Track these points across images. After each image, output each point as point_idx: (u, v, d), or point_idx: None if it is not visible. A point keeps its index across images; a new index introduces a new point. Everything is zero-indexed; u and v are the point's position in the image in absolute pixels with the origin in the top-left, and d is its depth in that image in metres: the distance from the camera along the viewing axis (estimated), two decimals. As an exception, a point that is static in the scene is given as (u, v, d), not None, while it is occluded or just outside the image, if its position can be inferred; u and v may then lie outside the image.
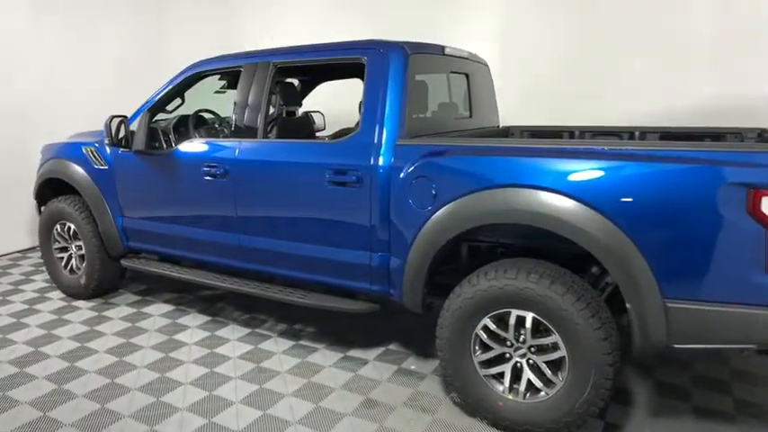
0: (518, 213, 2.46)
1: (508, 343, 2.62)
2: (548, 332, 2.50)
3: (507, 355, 2.64)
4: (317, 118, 4.94)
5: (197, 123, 4.12)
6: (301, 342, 3.61)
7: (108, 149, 4.01)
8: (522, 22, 4.94)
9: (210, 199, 3.53)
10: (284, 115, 4.15)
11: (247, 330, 3.79)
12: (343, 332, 3.73)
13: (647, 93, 4.45)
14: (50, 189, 4.48)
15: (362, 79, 3.03)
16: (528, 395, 2.61)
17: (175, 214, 3.76)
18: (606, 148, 2.43)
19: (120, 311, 4.17)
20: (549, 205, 2.40)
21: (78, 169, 4.17)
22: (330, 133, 5.08)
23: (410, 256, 2.81)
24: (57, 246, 4.48)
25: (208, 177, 3.48)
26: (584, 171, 2.37)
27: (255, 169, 3.32)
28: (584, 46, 4.65)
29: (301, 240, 3.21)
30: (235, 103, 3.45)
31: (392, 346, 3.55)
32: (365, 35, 3.28)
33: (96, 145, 4.10)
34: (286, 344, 3.59)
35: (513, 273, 2.51)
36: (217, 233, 3.56)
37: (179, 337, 3.71)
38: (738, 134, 3.49)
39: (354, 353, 3.46)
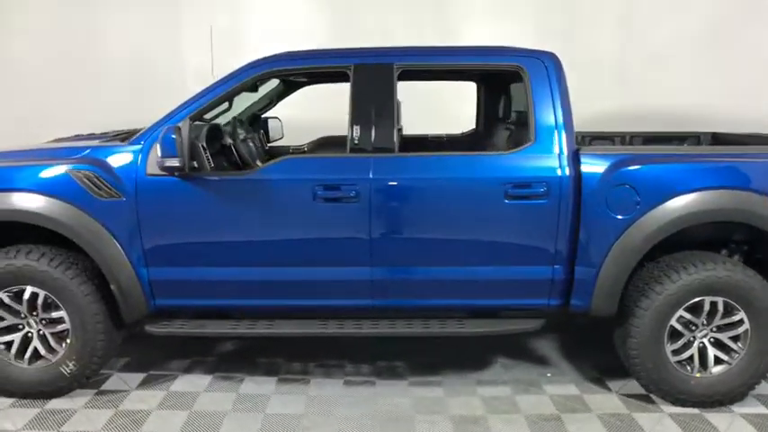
0: (731, 212, 2.78)
1: (692, 327, 2.94)
2: (730, 312, 2.90)
3: (691, 339, 2.95)
4: (274, 125, 4.35)
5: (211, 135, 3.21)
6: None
7: (117, 173, 2.82)
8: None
9: (325, 228, 2.86)
10: None
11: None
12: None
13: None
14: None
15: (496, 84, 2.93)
16: (714, 369, 2.97)
17: (257, 252, 2.89)
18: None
19: (151, 401, 3.01)
20: (747, 201, 2.79)
21: (63, 206, 2.80)
22: (307, 142, 4.56)
23: (606, 264, 2.86)
24: (-7, 326, 2.93)
25: (324, 202, 2.81)
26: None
27: (405, 189, 2.83)
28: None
29: (466, 263, 2.90)
30: (355, 112, 2.86)
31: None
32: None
33: (95, 168, 2.83)
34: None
35: (711, 265, 2.83)
36: (331, 269, 2.90)
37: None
38: (697, 137, 4.47)
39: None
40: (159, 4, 5.28)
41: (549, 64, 2.93)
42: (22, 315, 2.96)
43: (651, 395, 3.06)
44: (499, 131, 3.96)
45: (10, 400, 2.99)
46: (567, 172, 2.82)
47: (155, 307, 2.98)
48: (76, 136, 3.69)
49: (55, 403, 2.98)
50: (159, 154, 2.71)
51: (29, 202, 2.81)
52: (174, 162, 2.65)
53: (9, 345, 2.97)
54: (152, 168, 2.83)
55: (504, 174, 2.83)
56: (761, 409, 2.96)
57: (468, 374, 3.35)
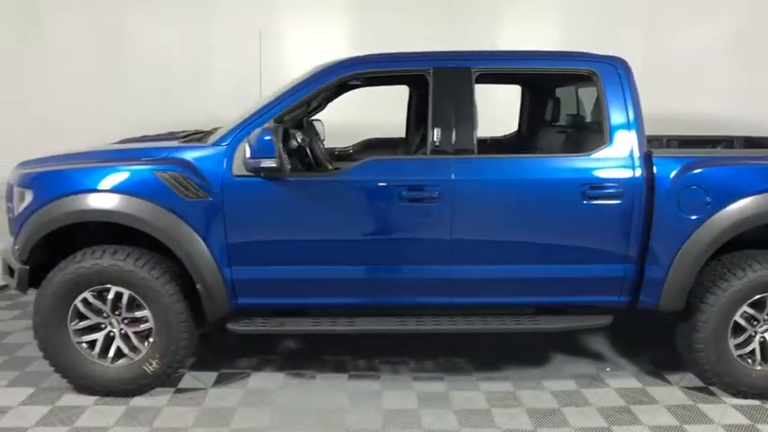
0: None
1: (754, 322, 3.08)
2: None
3: (753, 333, 3.09)
4: (317, 127, 4.40)
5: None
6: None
7: (202, 174, 2.86)
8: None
9: (407, 228, 2.94)
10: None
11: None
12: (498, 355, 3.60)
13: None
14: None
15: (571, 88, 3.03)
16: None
17: (340, 251, 2.96)
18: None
19: (232, 399, 3.06)
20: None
21: (151, 207, 2.84)
22: (351, 144, 4.63)
23: (676, 262, 2.98)
24: (77, 326, 2.95)
25: (406, 202, 2.88)
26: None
27: (486, 190, 2.92)
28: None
29: (542, 262, 3.00)
30: (435, 115, 2.94)
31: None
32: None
33: (181, 168, 2.86)
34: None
35: (777, 261, 2.98)
36: (412, 267, 2.98)
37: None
38: (731, 141, 4.63)
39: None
40: (190, 9, 5.34)
41: (620, 69, 3.04)
42: (105, 314, 2.98)
43: (710, 387, 3.20)
44: (546, 134, 4.07)
45: (93, 398, 3.02)
46: (641, 173, 2.94)
47: (236, 306, 3.03)
48: (143, 137, 3.71)
49: (138, 401, 3.01)
50: (249, 155, 2.75)
51: (119, 203, 2.84)
52: (271, 163, 2.70)
53: (92, 344, 3.00)
54: (238, 169, 2.88)
55: (582, 175, 2.93)
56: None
57: (529, 370, 3.45)
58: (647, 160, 2.96)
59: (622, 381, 3.33)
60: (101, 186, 2.87)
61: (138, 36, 5.19)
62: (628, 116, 3.00)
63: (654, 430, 2.82)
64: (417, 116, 4.54)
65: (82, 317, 2.97)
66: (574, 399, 3.12)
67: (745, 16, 5.16)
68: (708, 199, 2.93)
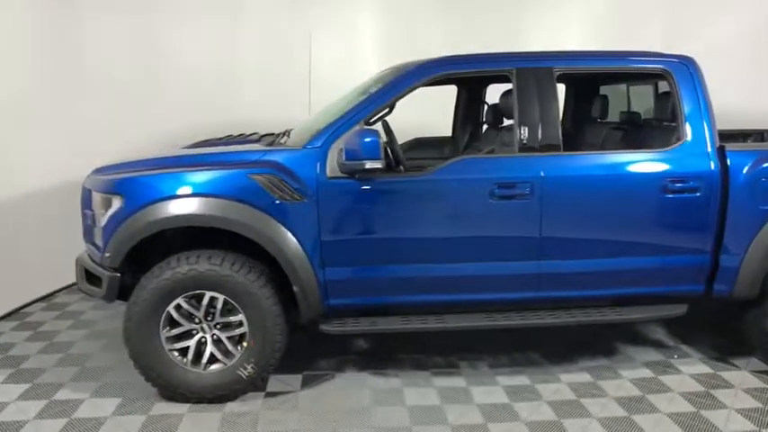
0: None
1: (819, 307, 3.24)
2: None
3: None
4: None
5: None
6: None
7: (297, 176, 2.87)
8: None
9: (499, 225, 3.00)
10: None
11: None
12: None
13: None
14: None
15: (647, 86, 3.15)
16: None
17: (432, 250, 3.00)
18: None
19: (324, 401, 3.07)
20: None
21: (249, 210, 2.83)
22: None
23: (750, 251, 3.11)
24: (169, 333, 2.91)
25: (498, 200, 2.95)
26: None
27: (573, 186, 3.00)
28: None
29: (625, 255, 3.10)
30: (521, 113, 3.01)
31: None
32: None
33: (276, 171, 2.86)
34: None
35: None
36: (502, 264, 3.04)
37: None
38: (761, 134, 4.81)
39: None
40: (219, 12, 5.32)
41: (691, 68, 3.17)
42: (197, 320, 2.95)
43: (777, 370, 3.36)
44: (594, 130, 4.19)
45: (185, 406, 2.98)
46: (716, 167, 3.07)
47: (327, 307, 3.04)
48: (216, 139, 3.68)
49: (232, 407, 2.99)
50: (347, 156, 2.78)
51: (218, 207, 2.82)
52: (377, 164, 2.73)
53: (182, 351, 2.96)
54: (332, 171, 2.90)
55: (663, 170, 3.05)
56: None
57: (602, 360, 3.54)
58: (721, 154, 3.09)
59: (693, 367, 3.45)
60: (198, 191, 2.84)
61: (176, 42, 5.15)
62: (701, 112, 3.12)
63: (741, 413, 2.94)
64: (465, 116, 4.62)
65: (173, 324, 2.94)
66: (654, 386, 3.22)
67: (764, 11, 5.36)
68: (783, 190, 3.08)
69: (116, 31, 4.89)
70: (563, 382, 3.27)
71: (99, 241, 2.98)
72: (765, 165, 3.08)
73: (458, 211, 2.99)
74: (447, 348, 3.66)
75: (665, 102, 3.35)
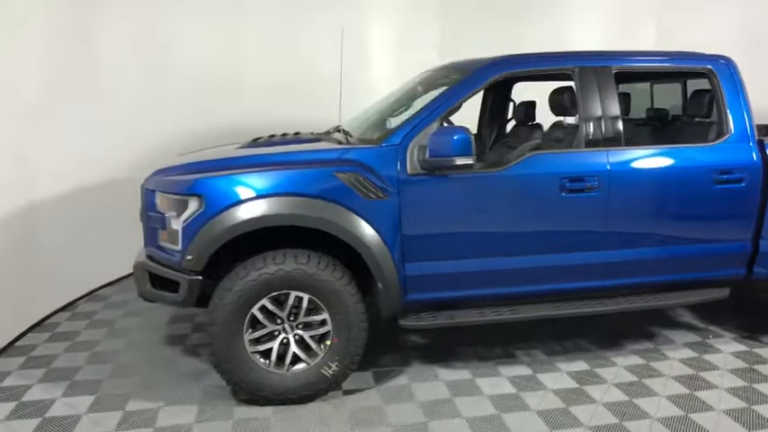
0: None
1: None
2: None
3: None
4: None
5: None
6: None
7: (379, 174, 2.89)
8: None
9: (570, 217, 3.13)
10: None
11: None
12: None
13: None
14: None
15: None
16: None
17: (506, 243, 3.10)
18: None
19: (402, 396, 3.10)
20: None
21: (337, 208, 2.82)
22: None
23: (789, 236, 3.39)
24: (252, 335, 2.87)
25: (569, 193, 3.07)
26: None
27: (637, 178, 3.17)
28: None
29: (680, 242, 3.30)
30: (584, 110, 3.15)
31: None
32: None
33: (360, 170, 2.87)
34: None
35: None
36: (572, 255, 3.17)
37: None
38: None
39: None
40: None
41: (731, 67, 3.41)
42: (279, 321, 2.92)
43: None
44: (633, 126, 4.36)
45: (269, 408, 2.94)
46: (757, 158, 3.32)
47: (406, 302, 3.07)
48: (271, 136, 3.61)
49: (314, 406, 2.98)
50: (431, 153, 2.84)
51: (308, 206, 2.81)
52: (468, 161, 2.79)
53: (264, 353, 2.92)
54: (413, 168, 2.94)
55: (713, 162, 3.27)
56: None
57: (646, 344, 3.75)
58: (761, 146, 3.35)
59: (730, 346, 3.71)
60: (286, 190, 2.82)
61: (187, 43, 5.04)
62: (742, 108, 3.37)
63: (788, 385, 3.22)
64: (492, 114, 4.74)
65: (255, 326, 2.89)
66: (702, 364, 3.45)
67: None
68: (809, 180, 3.37)
69: (126, 30, 4.74)
70: (619, 366, 3.44)
71: (173, 244, 2.89)
72: (799, 156, 3.37)
73: (531, 204, 3.10)
74: (500, 340, 3.77)
75: (701, 99, 3.58)
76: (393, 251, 2.95)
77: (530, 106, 4.14)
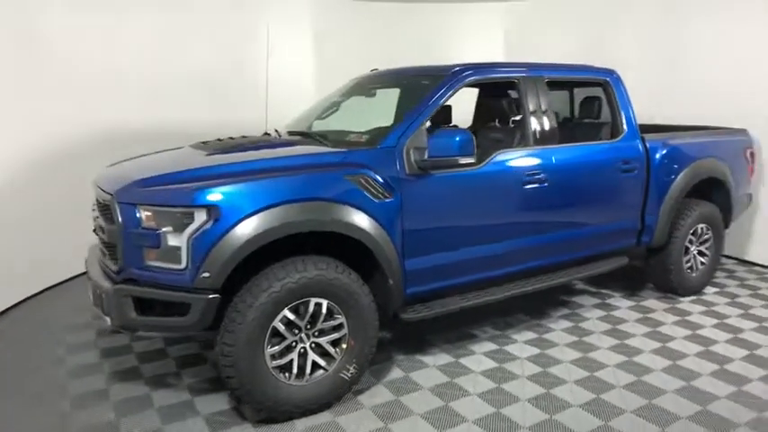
0: None
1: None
2: None
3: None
4: None
5: None
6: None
7: (383, 175, 2.99)
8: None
9: (528, 207, 3.59)
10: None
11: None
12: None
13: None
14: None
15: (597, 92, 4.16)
16: None
17: (484, 232, 3.43)
18: None
19: (413, 386, 3.23)
20: None
21: (352, 211, 2.81)
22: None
23: (661, 210, 4.32)
24: (272, 349, 2.73)
25: (529, 186, 3.54)
26: None
27: (572, 170, 3.76)
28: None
29: (603, 222, 4.03)
30: (527, 114, 3.65)
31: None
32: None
33: (366, 171, 2.91)
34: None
35: None
36: (524, 239, 3.63)
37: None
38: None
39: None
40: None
41: (619, 78, 4.24)
42: (296, 331, 2.81)
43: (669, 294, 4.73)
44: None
45: (293, 423, 2.81)
46: (643, 151, 4.20)
47: (406, 296, 3.20)
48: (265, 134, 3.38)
49: (337, 410, 2.94)
50: (430, 153, 3.04)
51: (328, 211, 2.77)
52: (470, 159, 3.03)
53: (281, 367, 2.79)
54: (410, 168, 3.09)
55: (619, 155, 4.05)
56: None
57: (563, 310, 4.45)
58: (643, 142, 4.24)
59: (623, 302, 4.61)
60: (303, 196, 2.74)
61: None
62: (630, 111, 4.22)
63: (676, 324, 4.15)
64: (484, 114, 4.96)
65: (274, 340, 2.75)
66: (621, 315, 4.25)
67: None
68: (675, 167, 4.38)
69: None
70: (557, 330, 4.05)
71: (171, 263, 2.59)
72: (669, 149, 4.35)
73: (499, 198, 3.48)
74: (453, 325, 4.10)
75: (592, 104, 4.38)
76: (397, 248, 3.07)
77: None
